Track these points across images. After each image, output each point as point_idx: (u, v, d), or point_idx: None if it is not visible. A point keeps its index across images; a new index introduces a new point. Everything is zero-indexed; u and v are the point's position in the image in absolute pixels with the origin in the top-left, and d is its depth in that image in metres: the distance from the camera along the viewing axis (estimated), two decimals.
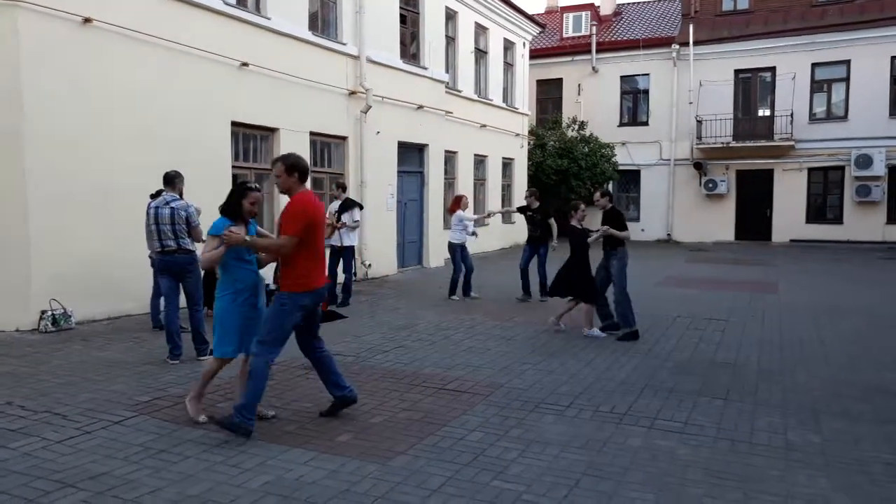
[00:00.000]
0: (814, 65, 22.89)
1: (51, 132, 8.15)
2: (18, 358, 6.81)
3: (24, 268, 8.06)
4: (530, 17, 22.57)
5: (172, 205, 6.76)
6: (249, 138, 11.24)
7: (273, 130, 11.52)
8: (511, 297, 11.10)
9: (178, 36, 9.54)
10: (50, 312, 8.05)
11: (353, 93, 13.21)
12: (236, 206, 4.87)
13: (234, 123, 10.66)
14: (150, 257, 7.96)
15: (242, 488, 3.85)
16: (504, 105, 21.21)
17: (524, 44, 22.64)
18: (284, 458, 4.30)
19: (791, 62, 22.88)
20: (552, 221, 11.22)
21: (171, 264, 6.80)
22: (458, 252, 11.31)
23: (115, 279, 8.81)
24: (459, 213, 11.51)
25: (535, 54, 25.01)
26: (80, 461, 4.19)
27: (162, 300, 7.47)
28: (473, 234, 11.64)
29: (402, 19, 14.89)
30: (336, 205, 10.63)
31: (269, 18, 11.19)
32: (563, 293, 8.54)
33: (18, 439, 4.54)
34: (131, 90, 9.02)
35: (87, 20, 8.43)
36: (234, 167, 10.75)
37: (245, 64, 10.69)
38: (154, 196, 7.67)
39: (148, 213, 6.92)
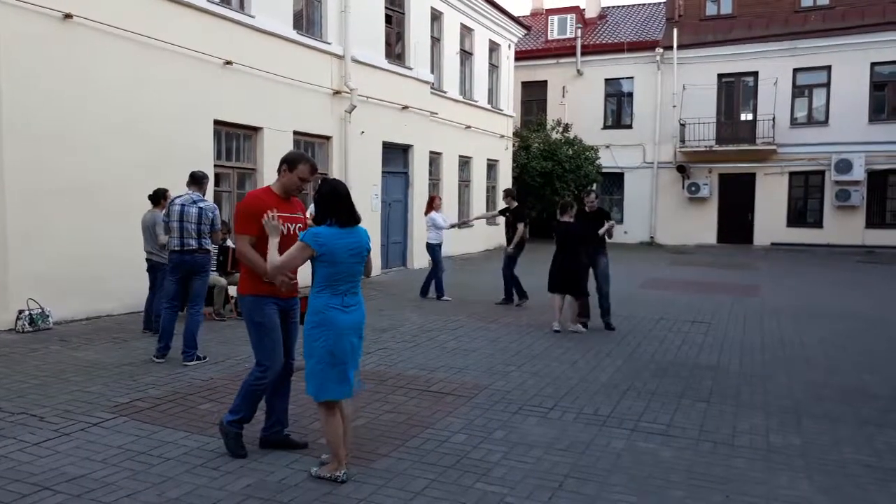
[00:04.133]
0: (795, 70, 23.15)
1: (30, 128, 8.03)
2: None
3: (1, 266, 7.92)
4: (515, 19, 22.61)
5: (201, 205, 6.71)
6: (232, 137, 11.15)
7: (256, 129, 11.44)
8: (493, 299, 11.06)
9: (160, 33, 9.45)
10: (27, 312, 7.91)
11: (337, 92, 13.16)
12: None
13: (216, 122, 10.57)
14: (148, 259, 7.87)
15: (224, 491, 3.80)
16: (489, 106, 21.24)
17: (509, 45, 22.69)
18: (266, 461, 4.24)
19: (773, 67, 23.11)
20: (519, 226, 10.71)
21: (189, 263, 6.70)
22: (437, 252, 11.38)
23: (95, 278, 8.69)
24: (432, 214, 11.62)
25: (520, 56, 25.05)
26: (57, 463, 4.12)
27: (162, 300, 7.24)
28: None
29: (388, 19, 14.87)
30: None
31: (253, 17, 11.11)
32: (561, 289, 8.70)
33: None
34: (112, 87, 8.92)
35: (67, 16, 8.32)
36: (216, 166, 10.66)
37: (228, 62, 10.61)
38: (153, 196, 7.66)
39: (171, 211, 6.76)
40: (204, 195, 6.93)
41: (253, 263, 4.21)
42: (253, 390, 4.29)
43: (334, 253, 3.89)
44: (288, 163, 4.33)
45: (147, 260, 7.91)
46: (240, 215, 4.31)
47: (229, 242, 9.16)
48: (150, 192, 7.88)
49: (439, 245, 11.48)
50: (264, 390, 4.33)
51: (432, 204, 11.86)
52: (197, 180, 6.93)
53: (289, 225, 4.30)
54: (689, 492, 3.94)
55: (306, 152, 12.55)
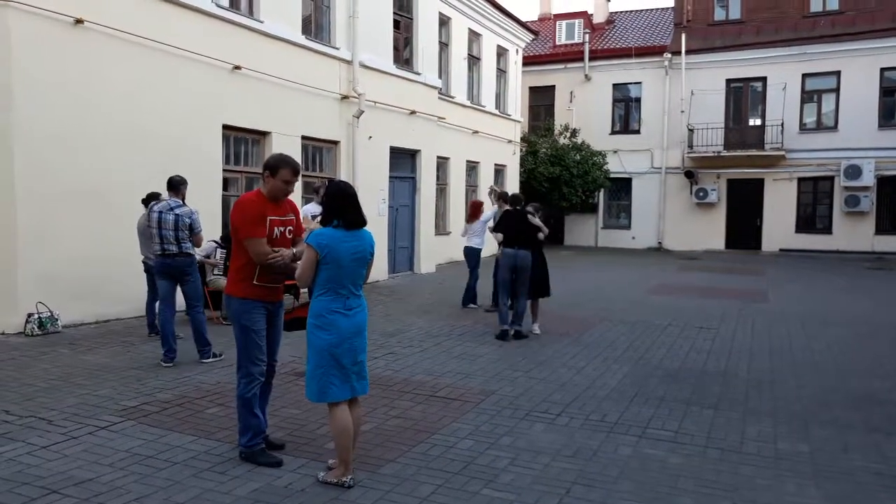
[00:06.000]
0: (804, 75, 23.06)
1: (40, 132, 8.09)
2: (3, 361, 6.72)
3: (11, 269, 7.97)
4: (523, 24, 22.62)
5: (177, 211, 6.79)
6: (241, 142, 11.20)
7: (265, 134, 11.47)
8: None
9: (169, 38, 9.50)
10: (36, 315, 7.96)
11: (345, 97, 13.19)
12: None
13: (225, 126, 10.61)
14: (144, 262, 7.94)
15: (230, 495, 3.81)
16: (496, 112, 21.23)
17: (517, 51, 22.69)
18: None
19: (782, 72, 23.04)
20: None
21: (171, 266, 6.82)
22: (478, 259, 11.15)
23: (104, 281, 8.73)
24: (483, 217, 11.22)
25: (528, 61, 25.07)
26: (65, 467, 4.14)
27: (157, 304, 7.35)
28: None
29: (396, 24, 14.91)
30: (314, 207, 9.76)
31: (261, 22, 11.16)
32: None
33: (3, 444, 4.48)
34: (122, 91, 8.97)
35: (78, 21, 8.38)
36: (224, 170, 10.71)
37: (237, 67, 10.66)
38: (147, 200, 7.69)
39: (150, 217, 6.93)
40: (183, 200, 6.97)
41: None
42: (246, 400, 4.30)
43: (337, 256, 3.89)
44: (270, 169, 4.26)
45: (143, 263, 7.98)
46: (245, 221, 4.21)
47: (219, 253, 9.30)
48: (144, 196, 7.95)
49: (480, 251, 11.18)
50: (255, 395, 4.33)
51: (480, 209, 11.39)
52: (174, 186, 6.98)
53: (279, 228, 4.32)
54: (697, 499, 3.92)
55: (314, 157, 12.76)
